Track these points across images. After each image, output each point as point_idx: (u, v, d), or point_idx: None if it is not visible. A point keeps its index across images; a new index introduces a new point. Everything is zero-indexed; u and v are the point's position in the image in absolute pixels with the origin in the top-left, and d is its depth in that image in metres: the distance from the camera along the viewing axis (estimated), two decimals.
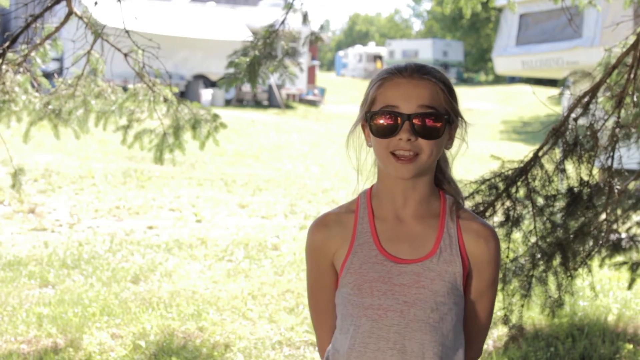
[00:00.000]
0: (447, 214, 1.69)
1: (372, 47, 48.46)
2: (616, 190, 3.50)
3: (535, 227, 3.54)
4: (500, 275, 3.59)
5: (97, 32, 4.49)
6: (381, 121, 1.62)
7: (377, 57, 45.28)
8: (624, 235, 4.33)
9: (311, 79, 28.97)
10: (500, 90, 34.96)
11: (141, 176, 11.01)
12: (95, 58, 4.70)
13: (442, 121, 1.63)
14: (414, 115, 1.60)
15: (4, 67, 4.36)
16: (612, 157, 3.54)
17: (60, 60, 13.77)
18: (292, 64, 4.85)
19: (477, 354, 1.76)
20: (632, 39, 3.81)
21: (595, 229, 3.69)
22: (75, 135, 4.97)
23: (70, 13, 4.42)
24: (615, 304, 5.54)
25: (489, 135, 21.77)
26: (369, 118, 1.65)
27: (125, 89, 5.07)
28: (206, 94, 22.82)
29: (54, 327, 4.71)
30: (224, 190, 10.64)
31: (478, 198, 3.56)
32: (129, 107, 4.89)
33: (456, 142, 1.72)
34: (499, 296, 3.62)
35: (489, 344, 4.66)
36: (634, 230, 4.41)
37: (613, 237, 4.23)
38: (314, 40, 4.96)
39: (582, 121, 3.60)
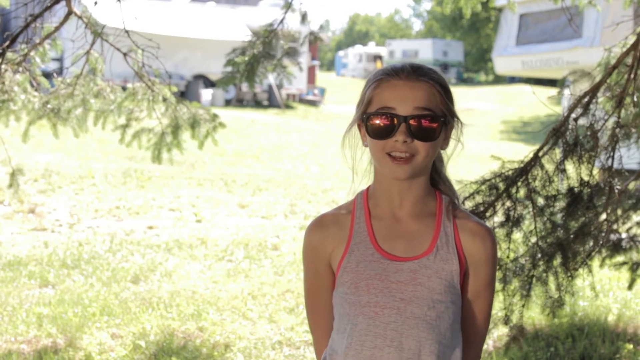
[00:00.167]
0: (443, 213, 1.69)
1: (372, 47, 48.48)
2: (616, 191, 3.49)
3: (535, 227, 3.54)
4: (501, 276, 3.59)
5: (97, 31, 4.49)
6: (377, 122, 1.63)
7: (377, 57, 45.28)
8: (624, 235, 4.33)
9: (311, 79, 28.98)
10: (500, 90, 34.96)
11: (141, 176, 11.01)
12: (94, 57, 4.70)
13: (438, 123, 1.63)
14: (410, 117, 1.61)
15: (3, 66, 4.35)
16: (613, 157, 3.54)
17: (60, 60, 13.78)
18: (291, 63, 4.86)
19: (476, 357, 1.76)
20: (632, 39, 3.81)
21: (595, 229, 3.69)
22: (74, 134, 4.97)
23: (69, 13, 4.42)
24: (615, 304, 5.54)
25: (489, 135, 21.78)
26: (365, 119, 1.66)
27: (124, 89, 5.07)
28: (206, 94, 22.82)
29: (54, 327, 4.71)
30: (224, 190, 10.64)
31: (478, 198, 3.55)
32: (127, 107, 4.89)
33: (452, 142, 1.72)
34: (500, 296, 3.62)
35: (489, 344, 4.66)
36: (634, 231, 4.41)
37: (613, 237, 4.23)
38: (313, 40, 4.96)
39: (582, 121, 3.60)
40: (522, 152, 4.41)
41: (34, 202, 8.79)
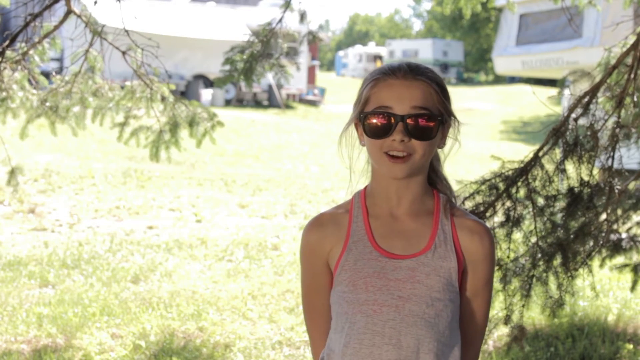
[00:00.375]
0: (441, 211, 1.70)
1: (372, 47, 48.45)
2: (616, 191, 3.49)
3: (535, 227, 3.54)
4: (501, 275, 3.59)
5: (96, 30, 4.48)
6: (375, 122, 1.63)
7: (377, 57, 45.25)
8: (624, 235, 4.32)
9: (311, 79, 28.94)
10: (500, 90, 34.94)
11: (141, 176, 11.00)
12: (93, 56, 4.70)
13: (436, 122, 1.63)
14: (407, 116, 1.61)
15: (2, 65, 4.35)
16: (613, 157, 3.54)
17: (60, 60, 13.78)
18: (290, 63, 4.85)
19: (475, 357, 1.75)
20: (632, 39, 3.81)
21: (595, 229, 3.68)
22: (73, 133, 4.96)
23: (69, 12, 4.42)
24: (615, 304, 5.54)
25: (489, 135, 21.75)
26: (362, 118, 1.66)
27: (123, 88, 5.07)
28: (206, 94, 22.81)
29: (54, 327, 4.70)
30: (224, 190, 10.64)
31: (478, 198, 3.55)
32: (125, 105, 4.89)
33: (449, 141, 1.72)
34: (500, 296, 3.62)
35: (489, 344, 4.66)
36: (634, 231, 4.40)
37: (613, 237, 4.22)
38: (312, 39, 4.96)
39: (582, 121, 3.60)
40: (522, 152, 4.41)
41: (34, 202, 8.79)
